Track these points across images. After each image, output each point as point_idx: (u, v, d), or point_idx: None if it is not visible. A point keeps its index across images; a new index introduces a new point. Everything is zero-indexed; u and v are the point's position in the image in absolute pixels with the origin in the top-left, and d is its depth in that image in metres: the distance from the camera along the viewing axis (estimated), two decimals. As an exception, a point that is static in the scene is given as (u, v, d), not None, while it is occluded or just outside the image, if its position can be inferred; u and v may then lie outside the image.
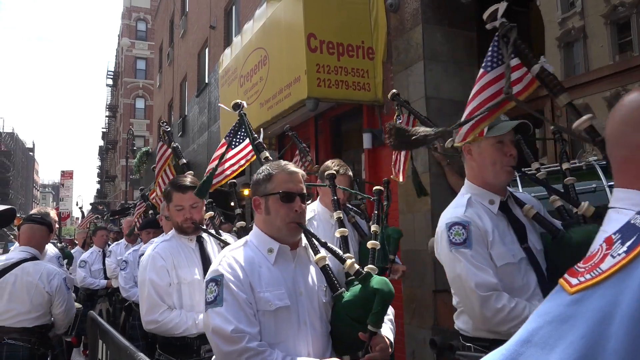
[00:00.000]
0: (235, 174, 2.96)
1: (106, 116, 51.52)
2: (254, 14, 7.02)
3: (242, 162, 3.01)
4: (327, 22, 5.16)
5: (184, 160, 3.71)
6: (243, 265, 1.67)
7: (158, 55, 23.87)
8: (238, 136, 3.06)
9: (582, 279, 0.45)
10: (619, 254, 0.44)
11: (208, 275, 1.68)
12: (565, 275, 0.48)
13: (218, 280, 1.61)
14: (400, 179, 3.36)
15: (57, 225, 6.25)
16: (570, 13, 5.64)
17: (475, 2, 4.65)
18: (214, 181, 2.87)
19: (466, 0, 4.61)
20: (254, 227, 1.83)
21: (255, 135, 2.92)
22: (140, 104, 39.53)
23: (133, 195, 29.99)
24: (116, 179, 42.53)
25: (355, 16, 5.25)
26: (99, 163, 61.75)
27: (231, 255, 1.70)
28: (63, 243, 13.73)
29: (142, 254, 3.22)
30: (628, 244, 0.43)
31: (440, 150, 3.88)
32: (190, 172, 3.26)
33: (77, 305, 5.70)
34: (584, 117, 1.65)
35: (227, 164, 2.98)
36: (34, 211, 4.73)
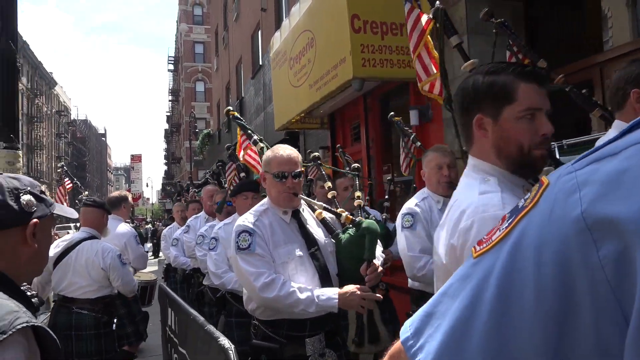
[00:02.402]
0: None
1: (169, 100, 53.64)
2: (301, -5, 7.16)
3: None
4: (371, 1, 5.22)
5: (457, 39, 2.42)
6: None
7: (214, 38, 24.50)
8: None
9: (481, 247, 0.61)
10: (502, 229, 0.59)
11: None
12: (475, 245, 0.64)
13: None
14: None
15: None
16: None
17: (521, -29, 4.55)
18: None
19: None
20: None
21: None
22: (200, 87, 40.83)
23: (197, 176, 31.29)
24: (181, 161, 44.44)
25: (398, -6, 5.27)
26: (165, 146, 64.65)
27: None
28: (135, 222, 14.58)
29: (242, 231, 2.22)
30: (509, 221, 0.58)
31: None
32: None
33: (152, 276, 6.15)
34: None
35: None
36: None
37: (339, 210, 2.50)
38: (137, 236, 5.01)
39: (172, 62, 49.67)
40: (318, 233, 2.35)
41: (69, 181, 7.55)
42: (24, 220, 1.23)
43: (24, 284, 3.07)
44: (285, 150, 2.36)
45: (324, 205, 2.51)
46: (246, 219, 2.30)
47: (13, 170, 3.49)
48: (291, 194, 2.28)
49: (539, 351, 0.51)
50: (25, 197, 1.24)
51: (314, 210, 2.46)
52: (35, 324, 1.07)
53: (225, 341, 2.02)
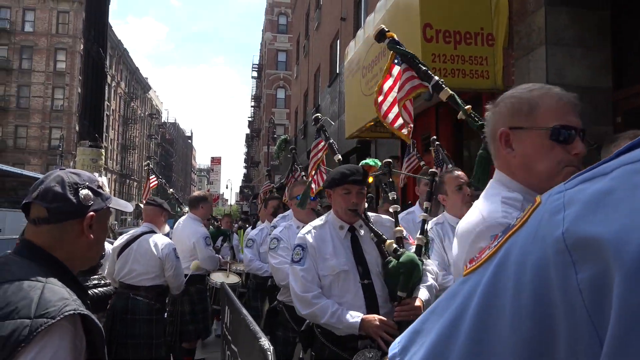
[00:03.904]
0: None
1: (251, 106, 55.65)
2: (378, 5, 7.16)
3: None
4: (445, 10, 5.12)
5: None
6: None
7: (296, 47, 25.13)
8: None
9: (471, 265, 0.59)
10: (491, 247, 0.56)
11: None
12: (467, 263, 0.63)
13: None
14: None
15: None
16: None
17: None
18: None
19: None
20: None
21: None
22: (281, 94, 41.93)
23: (274, 180, 32.06)
24: (259, 165, 45.80)
25: (474, 2, 5.13)
26: (245, 150, 66.95)
27: None
28: (218, 222, 15.01)
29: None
30: (499, 239, 0.55)
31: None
32: None
33: (235, 279, 5.80)
34: None
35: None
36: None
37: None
38: (208, 237, 5.05)
39: (256, 69, 51.50)
40: None
41: (154, 178, 8.02)
42: (81, 213, 1.33)
43: (99, 273, 3.31)
44: (561, 89, 1.32)
45: None
46: (497, 212, 1.31)
47: (95, 167, 3.79)
48: (577, 168, 1.22)
49: None
50: (84, 192, 1.34)
51: None
52: (82, 312, 1.16)
53: (265, 342, 2.07)
